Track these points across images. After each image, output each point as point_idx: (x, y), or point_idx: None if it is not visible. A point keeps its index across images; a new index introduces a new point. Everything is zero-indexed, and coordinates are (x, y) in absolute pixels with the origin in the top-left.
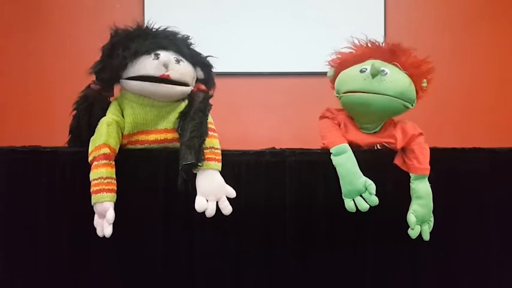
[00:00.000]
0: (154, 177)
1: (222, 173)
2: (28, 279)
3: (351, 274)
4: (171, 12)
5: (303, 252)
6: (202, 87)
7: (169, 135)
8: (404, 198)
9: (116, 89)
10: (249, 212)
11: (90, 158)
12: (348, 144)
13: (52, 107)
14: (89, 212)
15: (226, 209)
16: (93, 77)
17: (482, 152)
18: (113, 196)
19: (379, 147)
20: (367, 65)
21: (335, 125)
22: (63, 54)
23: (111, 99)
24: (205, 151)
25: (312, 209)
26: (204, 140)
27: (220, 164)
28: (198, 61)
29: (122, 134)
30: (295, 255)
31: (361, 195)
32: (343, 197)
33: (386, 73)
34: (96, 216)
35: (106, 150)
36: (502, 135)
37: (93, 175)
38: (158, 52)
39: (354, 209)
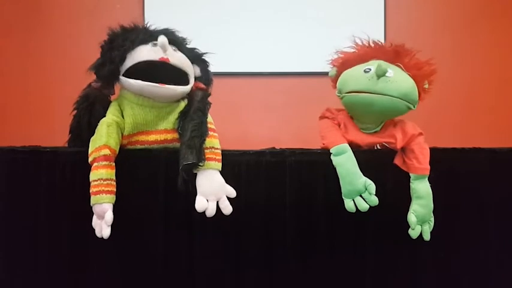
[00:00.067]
0: (154, 177)
1: (222, 173)
2: (28, 279)
3: (351, 274)
4: (171, 12)
5: (303, 252)
6: (201, 85)
7: (169, 136)
8: (404, 198)
9: (116, 89)
10: (249, 212)
11: (90, 159)
12: (347, 144)
13: (52, 107)
14: (89, 212)
15: (227, 208)
16: (94, 77)
17: (482, 152)
18: (112, 198)
19: (379, 147)
20: (371, 65)
21: (335, 125)
22: (63, 54)
23: (112, 97)
24: (205, 151)
25: (312, 209)
26: (205, 139)
27: (220, 164)
28: (195, 58)
29: (122, 134)
30: (295, 255)
31: (361, 195)
32: (343, 197)
33: (391, 74)
34: (94, 217)
35: (106, 151)
36: (502, 135)
37: (93, 176)
38: (156, 42)
39: (353, 209)
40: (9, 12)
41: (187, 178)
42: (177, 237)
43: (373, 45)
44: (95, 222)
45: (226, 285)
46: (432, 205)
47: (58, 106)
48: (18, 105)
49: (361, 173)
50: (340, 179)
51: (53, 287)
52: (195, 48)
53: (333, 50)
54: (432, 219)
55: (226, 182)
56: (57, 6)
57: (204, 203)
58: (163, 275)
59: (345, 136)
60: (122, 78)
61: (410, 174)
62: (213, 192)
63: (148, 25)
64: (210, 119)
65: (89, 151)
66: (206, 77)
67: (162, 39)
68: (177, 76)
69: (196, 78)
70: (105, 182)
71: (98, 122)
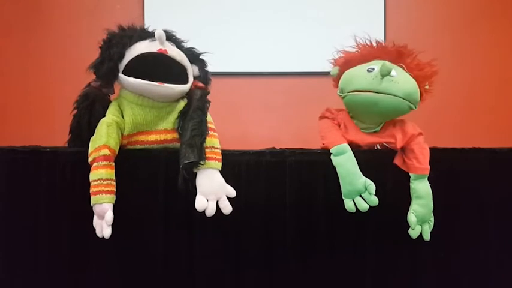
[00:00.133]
0: (154, 177)
1: (222, 172)
2: (28, 279)
3: (351, 274)
4: (171, 12)
5: (303, 252)
6: (200, 84)
7: (169, 136)
8: (404, 198)
9: (116, 90)
10: (249, 212)
11: (90, 159)
12: (347, 145)
13: (52, 107)
14: (89, 212)
15: (227, 208)
16: (94, 77)
17: (482, 152)
18: (112, 197)
19: (379, 147)
20: (374, 64)
21: (335, 125)
22: (63, 54)
23: (112, 97)
24: (205, 150)
25: (312, 209)
26: (205, 138)
27: (220, 164)
28: (193, 57)
29: (122, 134)
30: (295, 255)
31: (361, 196)
32: (343, 197)
33: (394, 74)
34: (95, 217)
35: (106, 151)
36: (502, 135)
37: (92, 176)
38: (153, 38)
39: (353, 209)
40: (9, 12)
41: (188, 177)
42: (177, 237)
43: (375, 45)
44: (96, 222)
45: (226, 285)
46: (432, 205)
47: (58, 106)
48: (18, 105)
49: (361, 173)
50: (340, 179)
51: (53, 287)
52: (192, 48)
53: (334, 50)
54: (432, 219)
55: (226, 181)
56: (57, 6)
57: (204, 203)
58: (163, 275)
59: (345, 136)
60: (121, 76)
61: (410, 174)
62: (213, 192)
63: (147, 28)
64: (210, 118)
65: (89, 151)
66: (205, 76)
67: (160, 31)
68: (176, 72)
69: (194, 78)
70: (104, 182)
71: (98, 121)
